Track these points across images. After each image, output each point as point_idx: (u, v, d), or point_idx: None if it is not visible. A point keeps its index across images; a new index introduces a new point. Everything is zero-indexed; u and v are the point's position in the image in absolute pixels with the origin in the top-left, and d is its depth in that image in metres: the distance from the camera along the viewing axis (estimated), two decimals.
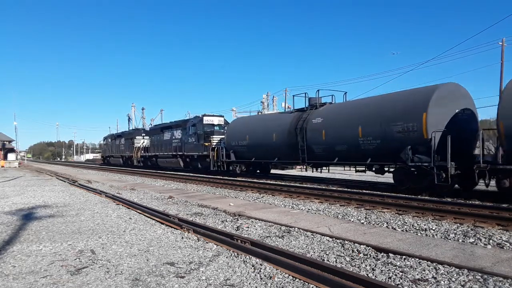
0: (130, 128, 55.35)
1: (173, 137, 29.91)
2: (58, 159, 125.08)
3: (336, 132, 15.14)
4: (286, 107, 47.27)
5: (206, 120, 26.21)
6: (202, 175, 22.12)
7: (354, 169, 15.92)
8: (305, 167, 18.33)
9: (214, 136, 25.02)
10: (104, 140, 51.22)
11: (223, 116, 27.92)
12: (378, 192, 12.67)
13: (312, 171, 18.41)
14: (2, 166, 48.27)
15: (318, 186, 15.18)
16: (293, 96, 19.73)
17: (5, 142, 62.46)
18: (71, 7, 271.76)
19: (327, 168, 18.15)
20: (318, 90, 17.59)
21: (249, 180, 18.50)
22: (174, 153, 29.13)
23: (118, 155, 43.38)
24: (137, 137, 38.29)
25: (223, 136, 24.30)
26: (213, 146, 24.13)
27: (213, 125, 26.27)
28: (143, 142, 37.00)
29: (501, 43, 30.22)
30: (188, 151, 27.22)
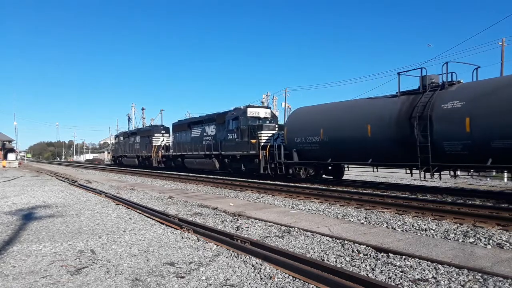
0: (130, 128, 54.65)
1: (204, 134, 25.52)
2: (58, 159, 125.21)
3: (493, 121, 10.67)
4: (286, 107, 47.32)
5: (251, 112, 21.76)
6: (202, 175, 21.86)
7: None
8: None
9: (262, 132, 19.99)
10: (115, 138, 47.24)
11: (269, 108, 23.84)
12: (378, 192, 12.67)
13: (431, 177, 12.82)
14: (4, 166, 48.21)
15: (318, 186, 15.17)
16: (398, 73, 13.48)
17: (5, 142, 62.52)
18: (71, 7, 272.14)
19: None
20: (447, 63, 12.28)
21: (250, 180, 18.47)
22: (207, 153, 24.29)
23: (132, 155, 38.93)
24: (155, 135, 33.95)
25: (274, 132, 20.05)
26: (263, 143, 19.52)
27: (259, 118, 21.83)
28: (163, 140, 33.29)
29: (501, 43, 30.23)
30: (227, 150, 22.34)
